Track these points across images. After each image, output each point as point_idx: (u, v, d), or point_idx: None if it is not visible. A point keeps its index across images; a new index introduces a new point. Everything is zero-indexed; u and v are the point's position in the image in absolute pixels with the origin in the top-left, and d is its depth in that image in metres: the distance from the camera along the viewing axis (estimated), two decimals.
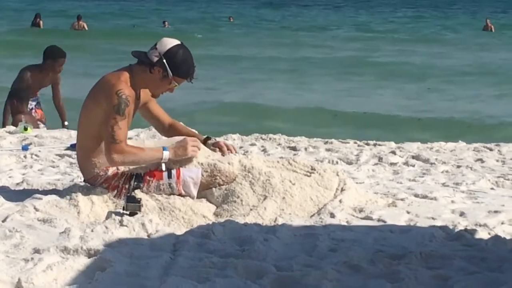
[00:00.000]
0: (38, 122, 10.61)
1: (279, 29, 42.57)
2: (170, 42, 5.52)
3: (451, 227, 5.33)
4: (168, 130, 5.89)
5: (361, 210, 5.69)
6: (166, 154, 5.48)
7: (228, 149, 5.79)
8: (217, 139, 5.99)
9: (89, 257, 4.35)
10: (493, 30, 43.07)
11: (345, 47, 32.44)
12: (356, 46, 32.46)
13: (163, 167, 5.49)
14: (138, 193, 5.41)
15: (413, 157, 8.47)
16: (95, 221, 5.20)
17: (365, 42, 34.28)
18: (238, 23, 46.16)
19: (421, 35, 39.45)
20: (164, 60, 5.44)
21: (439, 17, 53.58)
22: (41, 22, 39.16)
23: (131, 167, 5.50)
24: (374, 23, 47.78)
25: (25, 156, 8.02)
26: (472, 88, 21.23)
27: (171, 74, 5.47)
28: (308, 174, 5.87)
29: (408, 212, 5.77)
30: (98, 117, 5.41)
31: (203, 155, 5.65)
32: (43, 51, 10.56)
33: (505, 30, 42.68)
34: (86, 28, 38.84)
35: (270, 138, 9.54)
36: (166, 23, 43.63)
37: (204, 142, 5.80)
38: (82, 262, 4.21)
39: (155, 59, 5.46)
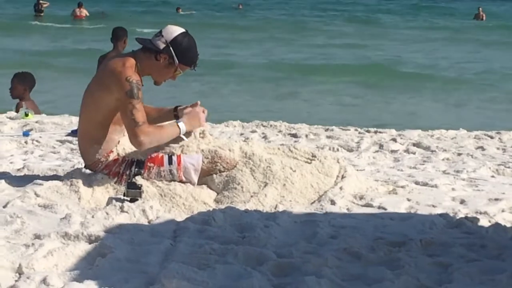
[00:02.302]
0: None
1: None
2: (176, 30, 5.52)
3: (451, 214, 5.34)
4: None
5: (361, 197, 5.69)
6: (183, 127, 5.55)
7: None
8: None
9: (89, 243, 4.35)
10: (484, 19, 42.47)
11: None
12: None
13: (183, 137, 5.54)
14: (139, 180, 5.41)
15: (413, 145, 8.48)
16: (96, 207, 5.20)
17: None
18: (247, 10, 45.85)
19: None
20: (171, 48, 5.45)
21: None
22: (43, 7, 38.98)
23: (130, 152, 5.51)
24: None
25: (26, 142, 8.03)
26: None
27: (177, 61, 5.47)
28: (309, 161, 5.87)
29: (408, 200, 5.77)
30: (107, 104, 5.39)
31: (204, 141, 5.66)
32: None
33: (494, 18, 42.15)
34: (88, 14, 38.62)
35: (271, 125, 9.56)
36: (180, 9, 43.68)
37: (175, 111, 5.79)
38: (82, 248, 4.21)
39: (162, 46, 5.46)
